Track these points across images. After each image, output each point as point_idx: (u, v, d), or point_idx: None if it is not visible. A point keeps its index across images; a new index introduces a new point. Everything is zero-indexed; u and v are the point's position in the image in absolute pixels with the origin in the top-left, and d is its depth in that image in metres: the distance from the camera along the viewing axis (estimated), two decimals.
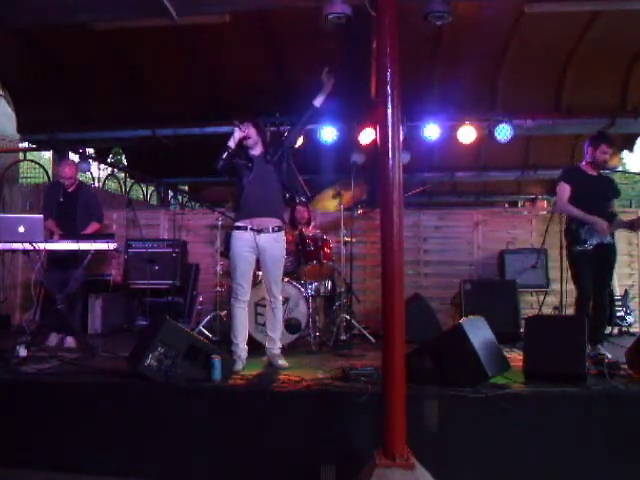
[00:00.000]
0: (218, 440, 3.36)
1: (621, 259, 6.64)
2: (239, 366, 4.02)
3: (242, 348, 4.15)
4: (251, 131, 4.18)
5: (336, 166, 8.47)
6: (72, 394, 3.55)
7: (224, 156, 4.12)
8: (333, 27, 4.68)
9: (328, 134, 7.55)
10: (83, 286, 5.38)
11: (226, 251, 5.21)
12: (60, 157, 9.55)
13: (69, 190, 5.33)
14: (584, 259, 4.50)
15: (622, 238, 6.59)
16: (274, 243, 4.16)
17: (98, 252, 4.74)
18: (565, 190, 4.60)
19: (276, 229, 4.17)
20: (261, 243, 4.10)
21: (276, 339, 4.30)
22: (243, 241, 4.11)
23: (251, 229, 4.10)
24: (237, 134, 4.14)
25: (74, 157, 9.80)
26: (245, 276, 4.14)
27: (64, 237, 4.85)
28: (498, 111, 7.75)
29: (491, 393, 3.25)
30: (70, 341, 5.11)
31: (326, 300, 5.82)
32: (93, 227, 5.34)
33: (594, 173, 4.61)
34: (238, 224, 4.16)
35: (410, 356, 3.24)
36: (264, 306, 4.74)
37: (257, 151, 4.23)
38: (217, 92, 8.72)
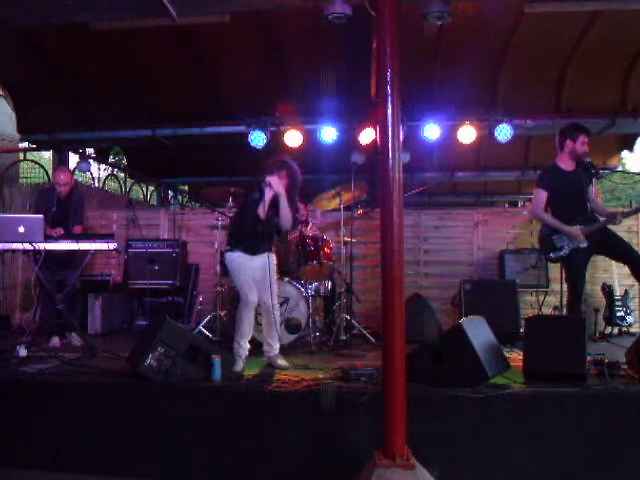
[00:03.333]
0: (218, 440, 3.36)
1: None
2: (240, 366, 4.02)
3: (245, 348, 4.16)
4: (282, 181, 4.15)
5: (336, 166, 8.47)
6: (72, 394, 3.55)
7: (259, 229, 4.13)
8: (332, 27, 4.68)
9: (328, 134, 7.54)
10: (80, 286, 5.38)
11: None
12: (60, 158, 9.56)
13: (62, 198, 5.28)
14: (578, 256, 4.44)
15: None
16: (266, 262, 4.20)
17: (97, 252, 4.72)
18: (541, 197, 4.52)
19: (268, 250, 4.29)
20: (255, 263, 4.20)
21: (273, 344, 4.30)
22: (240, 258, 4.18)
23: (244, 252, 4.19)
24: (269, 194, 4.10)
25: (74, 157, 9.80)
26: (250, 284, 4.17)
27: (63, 237, 4.84)
28: (498, 111, 7.74)
29: (491, 393, 3.25)
30: (76, 339, 5.11)
31: (326, 300, 5.81)
32: (76, 230, 5.27)
33: (571, 167, 4.50)
34: (230, 248, 4.24)
35: (410, 356, 3.24)
36: None
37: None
38: (217, 92, 8.72)
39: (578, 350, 3.47)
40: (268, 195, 4.09)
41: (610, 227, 4.51)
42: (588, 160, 4.50)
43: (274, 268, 4.31)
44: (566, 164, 4.54)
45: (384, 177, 2.67)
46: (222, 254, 4.84)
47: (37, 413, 3.54)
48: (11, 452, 3.51)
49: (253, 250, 4.22)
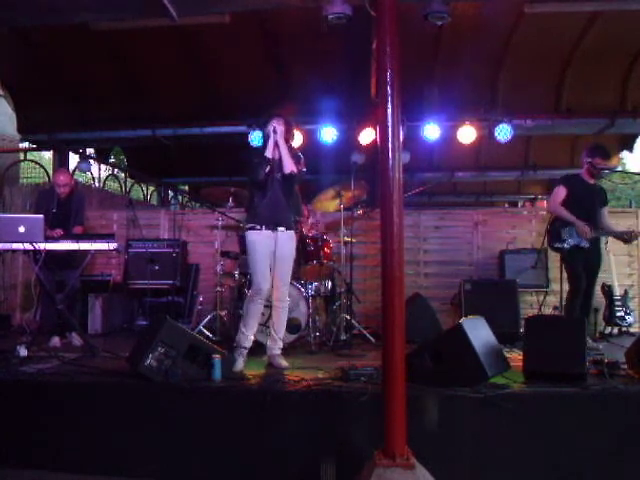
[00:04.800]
0: (218, 440, 3.35)
1: (621, 259, 6.67)
2: (239, 366, 4.02)
3: (250, 340, 4.15)
4: (281, 129, 4.19)
5: (336, 166, 8.48)
6: (72, 394, 3.55)
7: (267, 170, 4.12)
8: (332, 27, 4.68)
9: (328, 134, 7.55)
10: (80, 285, 5.38)
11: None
12: (60, 158, 9.57)
13: (62, 199, 5.28)
14: (577, 255, 4.84)
15: None
16: (289, 240, 4.23)
17: (97, 252, 4.71)
18: (560, 193, 5.02)
19: (291, 227, 4.28)
20: (277, 239, 4.16)
21: (278, 339, 4.30)
22: (261, 236, 4.15)
23: (266, 228, 4.16)
24: (272, 140, 4.16)
25: (74, 157, 9.80)
26: (266, 272, 4.16)
27: (63, 237, 4.84)
28: (498, 111, 7.75)
29: (491, 393, 3.24)
30: (77, 339, 5.11)
31: (326, 300, 5.81)
32: (76, 231, 5.26)
33: (591, 181, 5.02)
34: (252, 224, 4.20)
35: (410, 356, 3.24)
36: (265, 306, 4.72)
37: (277, 155, 4.24)
38: (217, 92, 8.73)
39: (578, 350, 3.47)
40: (273, 139, 4.16)
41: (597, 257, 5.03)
42: (588, 161, 4.76)
43: (294, 252, 4.30)
44: (587, 177, 5.03)
45: (384, 177, 2.67)
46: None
47: (37, 413, 3.53)
48: (11, 452, 3.51)
49: (273, 213, 4.14)
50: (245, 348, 4.13)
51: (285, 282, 4.27)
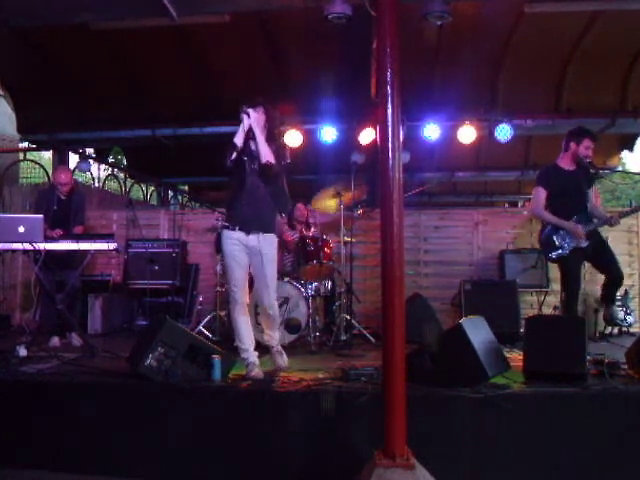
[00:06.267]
0: (218, 440, 3.35)
1: (621, 259, 6.62)
2: (254, 371, 3.80)
3: (252, 353, 3.93)
4: (260, 117, 3.94)
5: (336, 166, 8.48)
6: (72, 394, 3.55)
7: (233, 157, 3.84)
8: (333, 27, 4.69)
9: (328, 134, 7.55)
10: (80, 285, 5.39)
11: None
12: (60, 158, 9.57)
13: (63, 198, 5.28)
14: (578, 256, 4.46)
15: (622, 238, 6.61)
16: (266, 243, 3.94)
17: (97, 252, 4.71)
18: (540, 195, 4.53)
19: (270, 229, 4.01)
20: (251, 243, 3.90)
21: (273, 334, 4.18)
22: (233, 240, 3.91)
23: (240, 229, 3.91)
24: (242, 126, 3.86)
25: (74, 157, 9.80)
26: (238, 278, 3.93)
27: (63, 237, 4.85)
28: (498, 111, 7.75)
29: (491, 393, 3.24)
30: (76, 339, 5.11)
31: (326, 300, 5.82)
32: (77, 231, 5.27)
33: (571, 167, 4.52)
34: (227, 224, 3.99)
35: (410, 356, 3.24)
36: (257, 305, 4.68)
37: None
38: (217, 92, 8.72)
39: (578, 350, 3.47)
40: (245, 124, 3.87)
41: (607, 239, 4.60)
42: (588, 160, 4.52)
43: (273, 255, 3.98)
44: (567, 165, 4.55)
45: (384, 177, 2.67)
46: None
47: (37, 413, 3.53)
48: (11, 452, 3.51)
49: (250, 214, 3.87)
50: (255, 363, 3.87)
51: (270, 286, 3.99)
